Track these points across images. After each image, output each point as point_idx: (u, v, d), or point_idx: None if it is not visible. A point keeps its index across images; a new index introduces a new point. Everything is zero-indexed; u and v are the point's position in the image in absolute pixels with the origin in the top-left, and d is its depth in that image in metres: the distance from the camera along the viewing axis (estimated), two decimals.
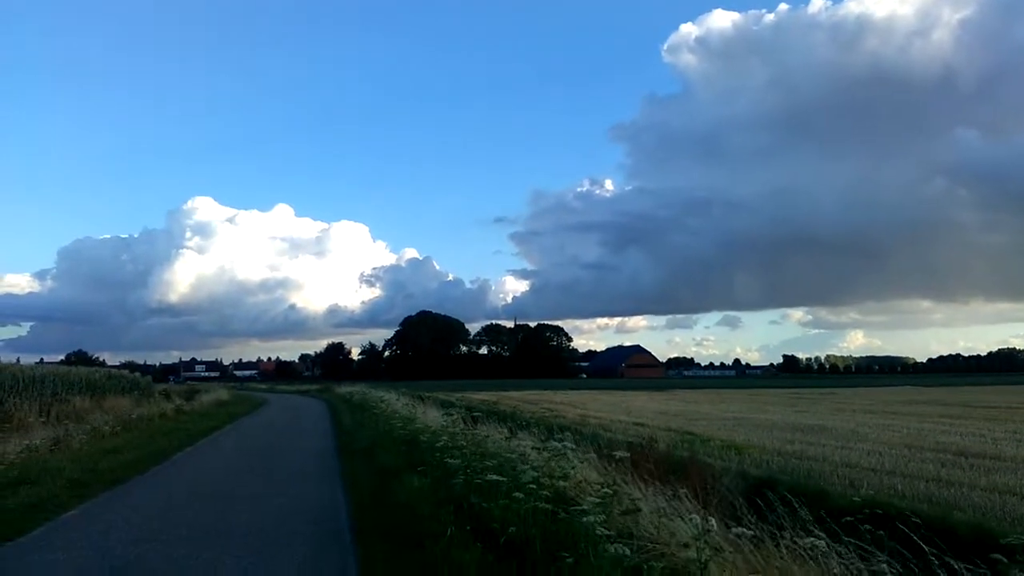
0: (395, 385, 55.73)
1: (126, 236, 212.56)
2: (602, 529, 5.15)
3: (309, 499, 11.21)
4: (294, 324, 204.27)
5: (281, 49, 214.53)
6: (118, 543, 8.11)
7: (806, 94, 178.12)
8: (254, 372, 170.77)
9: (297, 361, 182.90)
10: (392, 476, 11.81)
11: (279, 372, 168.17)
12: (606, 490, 6.42)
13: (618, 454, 6.89)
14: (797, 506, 6.03)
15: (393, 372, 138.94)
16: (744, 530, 4.68)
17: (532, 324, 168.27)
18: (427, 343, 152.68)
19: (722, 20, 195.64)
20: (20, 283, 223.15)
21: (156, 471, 14.36)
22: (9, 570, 7.04)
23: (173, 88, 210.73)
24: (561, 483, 7.41)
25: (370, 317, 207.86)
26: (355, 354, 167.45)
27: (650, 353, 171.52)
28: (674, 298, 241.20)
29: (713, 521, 4.52)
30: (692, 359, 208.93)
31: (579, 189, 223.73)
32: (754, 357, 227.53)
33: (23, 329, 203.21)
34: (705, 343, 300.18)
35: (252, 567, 7.12)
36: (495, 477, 7.67)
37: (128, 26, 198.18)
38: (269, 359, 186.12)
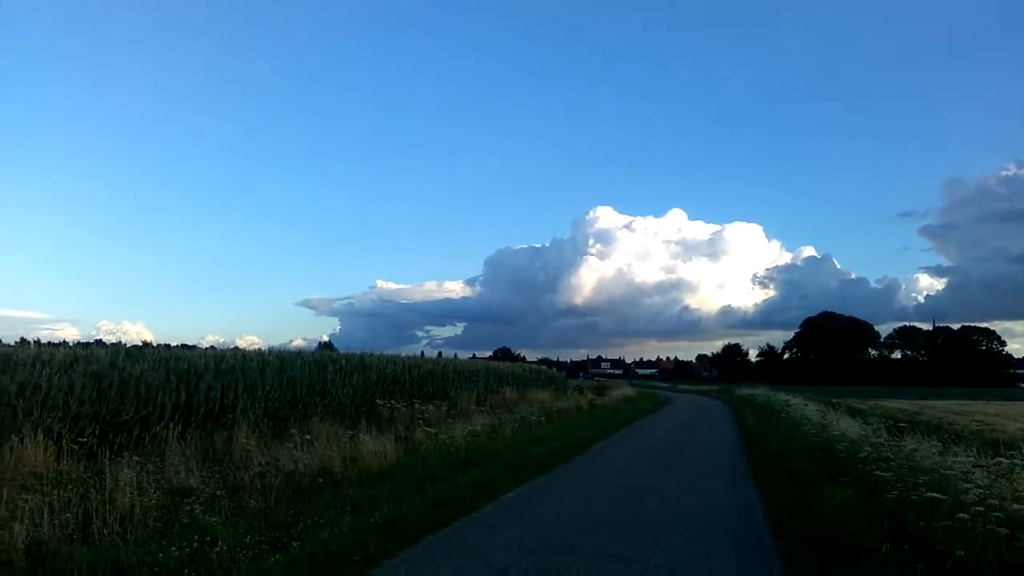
0: (797, 389, 53.32)
1: (539, 245, 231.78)
2: None
3: (722, 499, 11.25)
4: (688, 324, 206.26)
5: (666, 63, 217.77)
6: (552, 527, 8.80)
7: None
8: (654, 371, 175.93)
9: (694, 361, 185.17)
10: (808, 484, 11.44)
11: (678, 371, 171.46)
12: None
13: None
14: None
15: (793, 375, 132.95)
16: None
17: (954, 326, 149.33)
18: (831, 346, 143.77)
19: None
20: (455, 289, 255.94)
21: (577, 460, 15.51)
22: (470, 541, 7.96)
23: (576, 109, 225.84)
24: (1015, 506, 6.58)
25: (763, 318, 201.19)
26: (752, 355, 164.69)
27: None
28: None
29: None
30: None
31: (1004, 173, 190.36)
32: None
33: (458, 329, 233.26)
34: None
35: (677, 564, 7.22)
36: (934, 495, 7.10)
37: (533, 50, 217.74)
38: (668, 358, 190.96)
